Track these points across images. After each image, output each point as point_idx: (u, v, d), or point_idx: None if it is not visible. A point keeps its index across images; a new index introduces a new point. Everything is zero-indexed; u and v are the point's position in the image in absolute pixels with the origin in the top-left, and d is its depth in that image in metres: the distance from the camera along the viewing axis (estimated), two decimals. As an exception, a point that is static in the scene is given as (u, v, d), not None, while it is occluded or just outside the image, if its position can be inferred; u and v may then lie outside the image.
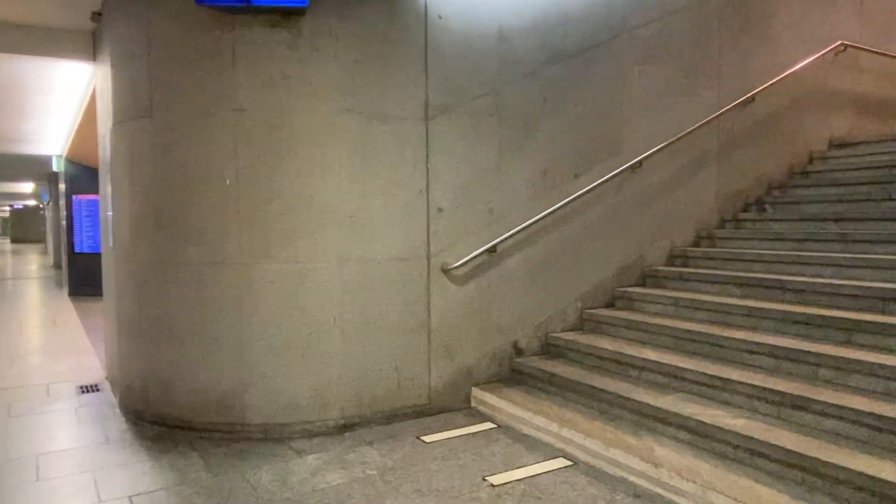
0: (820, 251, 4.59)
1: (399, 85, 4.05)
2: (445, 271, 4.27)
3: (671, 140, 5.17)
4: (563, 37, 4.68)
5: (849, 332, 3.52)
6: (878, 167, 5.43)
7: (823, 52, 6.10)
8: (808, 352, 3.39)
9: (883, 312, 3.61)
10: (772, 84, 5.75)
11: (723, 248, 5.20)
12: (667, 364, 3.79)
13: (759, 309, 4.00)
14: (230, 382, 3.89)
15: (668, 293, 4.71)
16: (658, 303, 4.68)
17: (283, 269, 3.84)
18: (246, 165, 3.82)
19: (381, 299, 4.07)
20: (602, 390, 3.79)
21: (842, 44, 6.24)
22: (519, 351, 4.65)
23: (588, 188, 4.77)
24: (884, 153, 5.77)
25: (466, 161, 4.34)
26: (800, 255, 4.45)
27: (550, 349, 4.73)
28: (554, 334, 4.72)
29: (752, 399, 3.30)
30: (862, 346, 3.40)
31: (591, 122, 4.88)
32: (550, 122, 4.69)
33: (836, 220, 4.85)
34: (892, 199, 4.76)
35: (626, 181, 5.07)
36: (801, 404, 3.08)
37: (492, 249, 4.40)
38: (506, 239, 4.44)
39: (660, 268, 5.15)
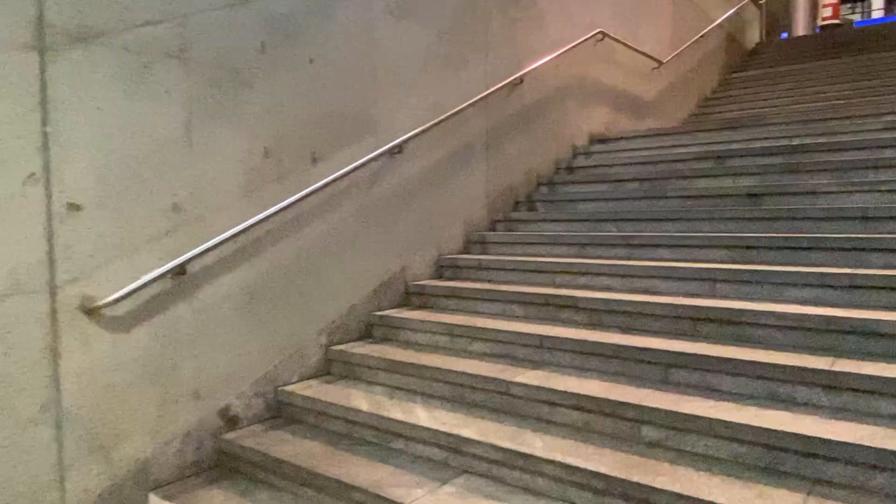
0: (605, 258, 3.90)
1: (-29, -24, 2.21)
2: (90, 311, 2.53)
3: (437, 120, 4.08)
4: (290, -42, 3.24)
5: (664, 367, 2.72)
6: (643, 163, 5.07)
7: (584, 38, 5.64)
8: (624, 402, 2.49)
9: (696, 337, 2.90)
10: (539, 66, 5.06)
11: (498, 256, 4.29)
12: (444, 432, 2.61)
13: (550, 338, 3.06)
14: None
15: (440, 317, 3.59)
16: (428, 331, 3.53)
17: None
18: None
19: (-55, 374, 2.19)
20: (353, 487, 2.46)
21: (600, 32, 5.87)
22: (232, 421, 3.10)
23: (333, 177, 3.41)
24: (645, 149, 5.48)
25: (128, 126, 2.64)
26: (584, 263, 3.68)
27: (282, 411, 3.27)
28: (287, 388, 3.27)
29: (565, 485, 2.27)
30: (684, 388, 2.62)
31: (335, 87, 3.53)
32: (274, 79, 3.22)
33: (615, 221, 4.25)
34: (667, 198, 4.31)
35: (383, 170, 3.84)
36: (633, 493, 2.12)
37: (179, 270, 2.78)
38: (204, 253, 2.85)
39: (427, 282, 4.04)
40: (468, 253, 4.52)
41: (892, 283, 2.71)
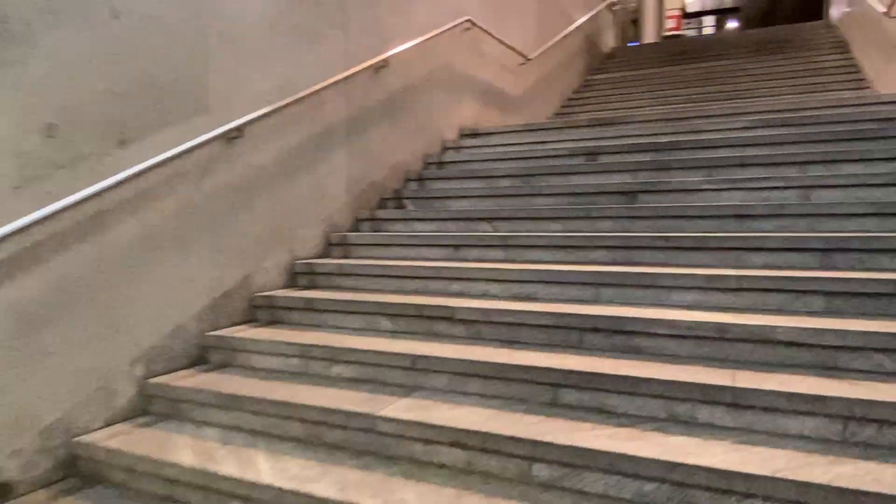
0: (482, 261, 3.53)
1: None
2: None
3: (288, 101, 3.47)
4: None
5: (553, 388, 2.37)
6: (515, 158, 4.80)
7: (452, 25, 5.27)
8: (511, 437, 2.09)
9: (585, 350, 2.59)
10: (405, 51, 4.60)
11: (362, 259, 3.77)
12: (292, 490, 2.05)
13: (424, 357, 2.60)
14: None
15: (292, 335, 3.00)
16: (277, 353, 2.93)
17: None
18: None
19: None
20: (165, 578, 1.83)
21: (468, 20, 5.54)
22: (4, 490, 2.29)
23: (149, 164, 2.70)
24: (516, 144, 5.24)
25: None
26: (460, 268, 3.27)
27: (79, 469, 2.50)
28: (86, 438, 2.51)
29: (447, 551, 1.82)
30: (577, 413, 2.27)
31: (151, 52, 2.81)
32: (62, 35, 2.45)
33: (490, 220, 3.90)
34: (542, 195, 4.05)
35: (219, 158, 3.16)
36: (529, 557, 1.71)
37: None
38: (-53, 265, 2.05)
39: (278, 293, 3.41)
40: (328, 257, 3.95)
41: (779, 284, 2.58)
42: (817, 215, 3.09)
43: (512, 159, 4.82)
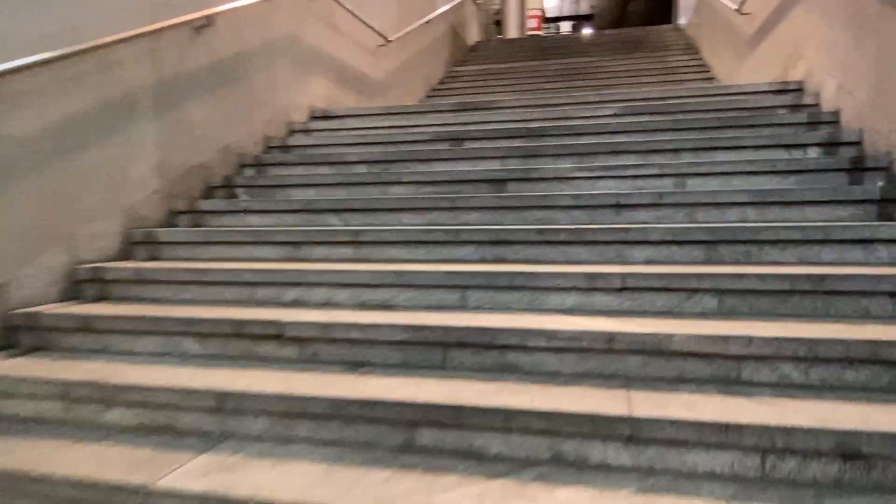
0: (326, 261, 2.89)
1: None
2: None
3: (62, 53, 2.60)
4: None
5: (408, 428, 1.80)
6: (373, 143, 4.22)
7: (299, -11, 4.57)
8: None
9: (449, 371, 2.05)
10: (237, 10, 3.84)
11: (174, 262, 2.98)
12: None
13: (237, 394, 1.93)
14: None
15: (56, 368, 2.17)
16: (28, 396, 2.09)
17: None
18: None
19: None
20: None
21: (318, -13, 4.86)
22: None
23: None
24: (374, 128, 4.64)
25: None
26: (297, 270, 2.61)
27: None
28: None
29: None
30: (439, 460, 1.73)
31: None
32: None
33: (339, 212, 3.27)
34: (402, 183, 3.49)
35: (-60, 123, 2.24)
36: None
37: None
38: None
39: (47, 309, 2.54)
40: (129, 259, 3.10)
41: (666, 283, 2.22)
42: (695, 204, 2.82)
43: (369, 143, 4.23)
